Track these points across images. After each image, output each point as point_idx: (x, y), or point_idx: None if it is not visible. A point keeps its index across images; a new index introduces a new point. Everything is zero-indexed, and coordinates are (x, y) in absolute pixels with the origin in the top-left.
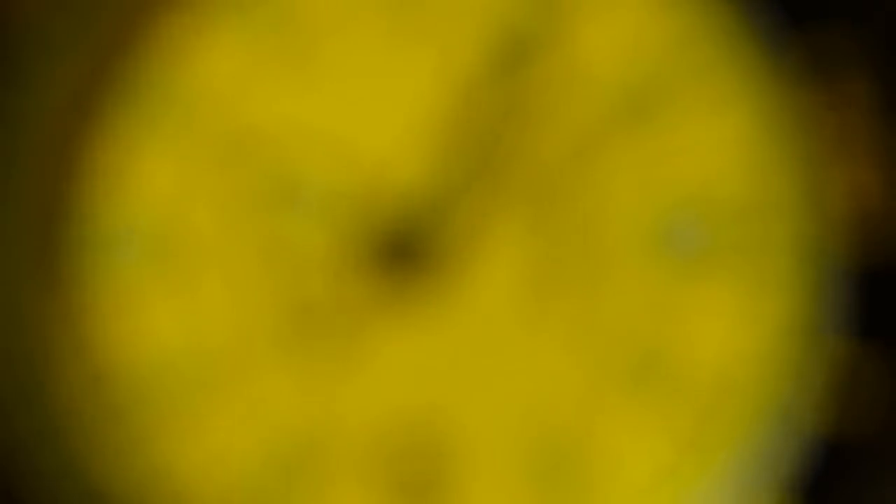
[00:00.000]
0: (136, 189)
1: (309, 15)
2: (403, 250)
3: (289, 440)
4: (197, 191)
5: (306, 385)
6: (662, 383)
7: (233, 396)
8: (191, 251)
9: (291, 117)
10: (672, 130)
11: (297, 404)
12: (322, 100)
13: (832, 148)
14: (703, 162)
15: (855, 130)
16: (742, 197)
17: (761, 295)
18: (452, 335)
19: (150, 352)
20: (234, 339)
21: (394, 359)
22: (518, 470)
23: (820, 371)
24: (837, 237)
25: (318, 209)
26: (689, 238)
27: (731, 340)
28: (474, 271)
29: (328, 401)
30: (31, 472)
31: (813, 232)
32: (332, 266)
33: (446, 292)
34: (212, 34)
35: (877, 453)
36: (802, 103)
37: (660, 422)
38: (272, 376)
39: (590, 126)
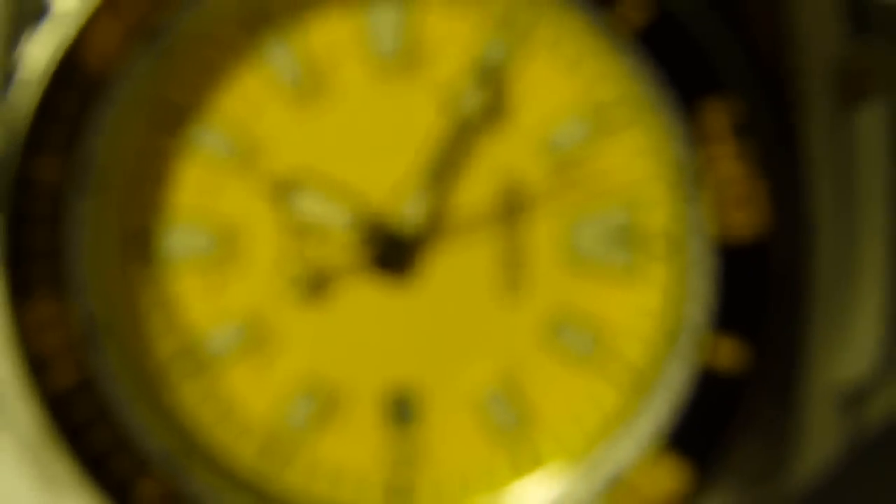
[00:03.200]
0: (207, 206)
1: (325, 76)
2: (396, 250)
3: (308, 384)
4: (248, 208)
5: (318, 344)
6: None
7: (268, 351)
8: (241, 248)
9: (312, 157)
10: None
11: (311, 358)
12: (334, 142)
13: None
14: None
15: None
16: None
17: (649, 288)
18: (424, 310)
19: (215, 322)
20: (269, 311)
21: (379, 325)
22: (473, 410)
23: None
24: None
25: (333, 225)
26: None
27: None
28: (445, 262)
29: (335, 354)
30: (128, 424)
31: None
32: (341, 261)
33: (424, 277)
34: (258, 95)
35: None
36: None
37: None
38: (292, 339)
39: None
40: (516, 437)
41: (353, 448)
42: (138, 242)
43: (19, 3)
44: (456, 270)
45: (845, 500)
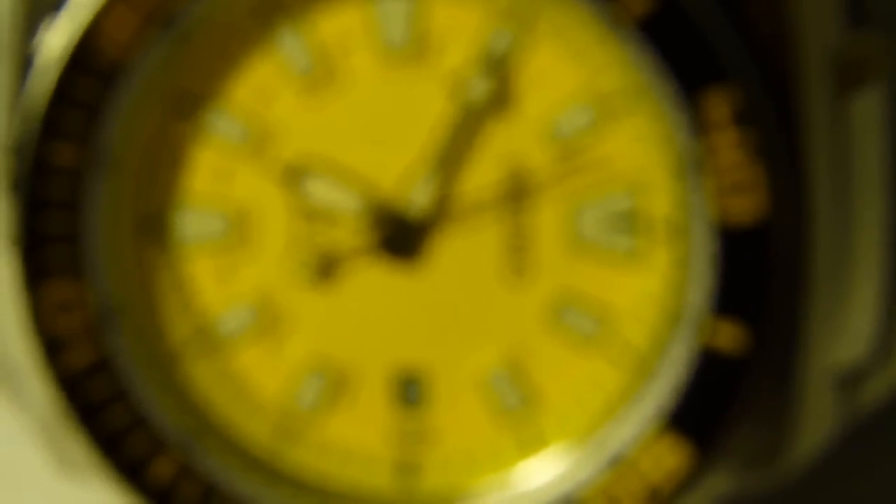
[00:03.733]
0: (219, 191)
1: (335, 64)
2: (403, 234)
3: (317, 365)
4: (259, 193)
5: (327, 326)
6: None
7: (279, 333)
8: (253, 232)
9: (322, 144)
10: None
11: (321, 339)
12: (343, 128)
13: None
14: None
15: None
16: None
17: (651, 272)
18: (431, 292)
19: (227, 304)
20: (280, 293)
21: (387, 308)
22: (478, 391)
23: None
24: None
25: (342, 209)
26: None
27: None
28: (452, 246)
29: (344, 335)
30: (142, 404)
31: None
32: (350, 245)
33: (430, 261)
34: (269, 83)
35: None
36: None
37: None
38: (302, 321)
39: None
40: (521, 418)
41: (361, 427)
42: (153, 226)
43: None
44: (462, 254)
45: (840, 481)
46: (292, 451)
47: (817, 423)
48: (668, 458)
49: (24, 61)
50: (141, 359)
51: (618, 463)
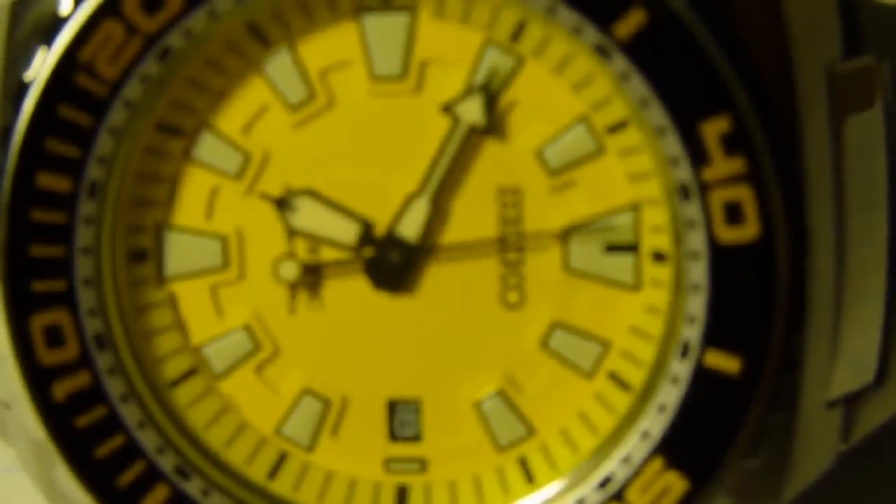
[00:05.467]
0: (211, 219)
1: (328, 89)
2: (396, 260)
3: (310, 395)
4: (251, 221)
5: (319, 354)
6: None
7: (272, 362)
8: (245, 259)
9: (314, 170)
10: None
11: (313, 368)
12: (335, 155)
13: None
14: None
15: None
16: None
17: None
18: (426, 318)
19: (221, 332)
20: (273, 321)
21: (380, 334)
22: (471, 419)
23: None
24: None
25: (334, 236)
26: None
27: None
28: (446, 273)
29: (337, 363)
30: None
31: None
32: (342, 271)
33: (424, 287)
34: (261, 107)
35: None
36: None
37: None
38: (294, 349)
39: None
40: (514, 447)
41: (354, 456)
42: (144, 254)
43: (29, 8)
44: (456, 282)
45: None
46: (286, 480)
47: (814, 451)
48: (662, 490)
49: (15, 89)
50: (134, 390)
51: (610, 493)
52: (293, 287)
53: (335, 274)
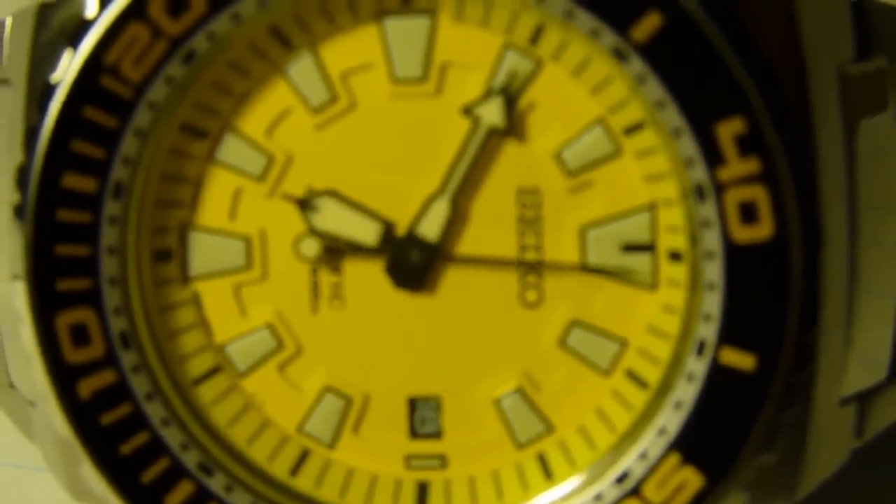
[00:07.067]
0: (235, 220)
1: (350, 94)
2: (417, 261)
3: (332, 392)
4: (274, 221)
5: (341, 352)
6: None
7: (294, 361)
8: (269, 260)
9: (336, 171)
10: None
11: (334, 366)
12: (357, 156)
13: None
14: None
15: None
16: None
17: (663, 294)
18: (446, 317)
19: (245, 331)
20: (295, 320)
21: (400, 332)
22: (490, 416)
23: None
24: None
25: (355, 236)
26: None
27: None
28: (466, 272)
29: (358, 361)
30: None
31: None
32: (363, 270)
33: (445, 286)
34: (284, 109)
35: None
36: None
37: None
38: (318, 346)
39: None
40: (532, 443)
41: (375, 453)
42: (169, 253)
43: (55, 11)
44: (475, 281)
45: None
46: (308, 477)
47: (828, 447)
48: (678, 485)
49: (41, 91)
50: (158, 387)
51: (627, 489)
52: (313, 267)
53: (358, 271)
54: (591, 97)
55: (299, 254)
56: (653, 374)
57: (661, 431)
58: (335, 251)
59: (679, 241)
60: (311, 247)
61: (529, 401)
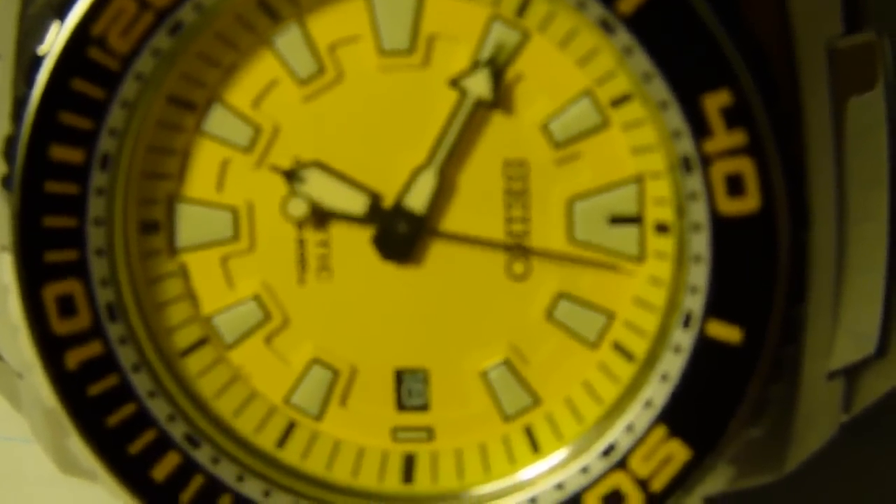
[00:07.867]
0: (222, 192)
1: (337, 66)
2: (403, 231)
3: (319, 364)
4: (261, 193)
5: (328, 323)
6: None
7: (280, 332)
8: (256, 231)
9: (323, 142)
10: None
11: (321, 338)
12: (344, 127)
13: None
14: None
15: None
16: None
17: (650, 266)
18: (432, 288)
19: (232, 302)
20: (282, 291)
21: (387, 303)
22: (478, 388)
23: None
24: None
25: (343, 207)
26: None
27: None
28: (452, 243)
29: (345, 333)
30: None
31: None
32: (350, 241)
33: (431, 257)
34: (272, 84)
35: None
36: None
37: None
38: (303, 319)
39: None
40: (519, 416)
41: (363, 425)
42: (156, 225)
43: None
44: (462, 253)
45: (835, 479)
46: (295, 449)
47: (816, 421)
48: (665, 458)
49: (28, 62)
50: (145, 359)
51: (614, 462)
52: (300, 225)
53: (345, 242)
54: (578, 69)
55: (287, 214)
56: (639, 347)
57: (648, 404)
58: (322, 214)
59: (666, 213)
60: (299, 207)
61: (516, 373)
